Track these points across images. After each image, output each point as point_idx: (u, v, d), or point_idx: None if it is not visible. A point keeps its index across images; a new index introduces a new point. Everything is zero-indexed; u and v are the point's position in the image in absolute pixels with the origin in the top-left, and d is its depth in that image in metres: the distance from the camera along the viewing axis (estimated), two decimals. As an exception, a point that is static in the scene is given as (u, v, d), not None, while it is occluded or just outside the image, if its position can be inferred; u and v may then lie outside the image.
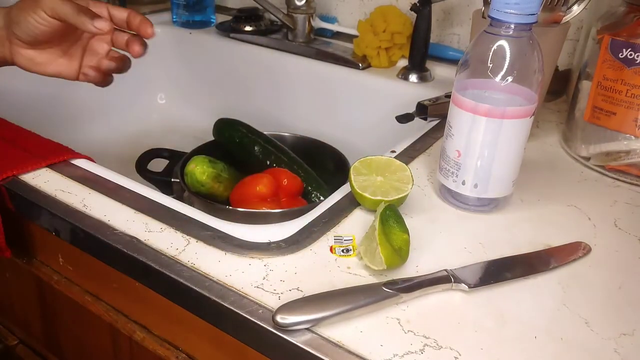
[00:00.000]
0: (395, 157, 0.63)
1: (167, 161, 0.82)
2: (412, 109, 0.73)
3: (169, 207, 0.51)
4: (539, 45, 0.49)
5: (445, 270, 0.44)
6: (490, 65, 0.48)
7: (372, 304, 0.40)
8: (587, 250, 0.49)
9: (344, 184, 0.57)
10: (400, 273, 0.45)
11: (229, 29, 1.04)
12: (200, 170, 0.69)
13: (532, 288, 0.44)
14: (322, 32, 1.01)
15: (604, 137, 0.62)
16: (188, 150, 0.79)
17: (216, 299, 0.41)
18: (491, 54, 0.48)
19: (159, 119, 1.10)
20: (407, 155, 0.64)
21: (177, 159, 0.79)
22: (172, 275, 0.43)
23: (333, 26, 1.01)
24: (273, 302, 0.41)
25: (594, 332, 0.40)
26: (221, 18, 1.11)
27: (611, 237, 0.51)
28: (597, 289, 0.45)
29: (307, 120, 0.96)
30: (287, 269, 0.44)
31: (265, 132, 0.81)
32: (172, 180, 0.75)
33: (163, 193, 0.82)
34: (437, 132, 0.70)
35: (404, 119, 0.73)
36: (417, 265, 0.46)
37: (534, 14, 0.47)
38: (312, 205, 0.70)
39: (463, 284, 0.43)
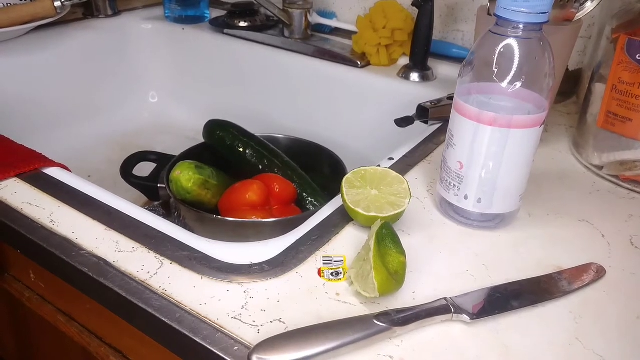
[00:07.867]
0: (394, 165, 0.59)
1: (155, 164, 0.78)
2: (413, 109, 0.69)
3: (143, 223, 0.47)
4: (550, 47, 0.44)
5: (445, 298, 0.40)
6: (496, 69, 0.44)
7: (362, 339, 0.36)
8: (601, 273, 0.45)
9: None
10: (395, 300, 0.40)
11: (223, 25, 0.99)
12: (185, 177, 0.64)
13: (541, 318, 0.40)
14: (319, 28, 0.97)
15: (619, 145, 0.58)
16: (180, 151, 0.75)
17: (187, 333, 0.36)
18: (497, 56, 0.44)
19: (151, 118, 1.06)
20: (406, 163, 0.59)
21: (165, 163, 0.75)
22: (140, 305, 0.38)
23: (331, 22, 0.97)
24: (251, 337, 0.36)
25: (611, 371, 0.36)
26: (216, 13, 1.06)
27: (627, 257, 0.47)
28: (612, 318, 0.41)
29: (303, 122, 0.92)
30: (269, 296, 0.40)
31: (258, 134, 0.77)
32: (159, 185, 0.71)
33: (150, 199, 0.79)
34: (439, 136, 0.65)
35: (403, 122, 0.68)
36: (413, 292, 0.41)
37: (545, 13, 0.42)
38: (305, 214, 0.66)
39: (464, 315, 0.39)
